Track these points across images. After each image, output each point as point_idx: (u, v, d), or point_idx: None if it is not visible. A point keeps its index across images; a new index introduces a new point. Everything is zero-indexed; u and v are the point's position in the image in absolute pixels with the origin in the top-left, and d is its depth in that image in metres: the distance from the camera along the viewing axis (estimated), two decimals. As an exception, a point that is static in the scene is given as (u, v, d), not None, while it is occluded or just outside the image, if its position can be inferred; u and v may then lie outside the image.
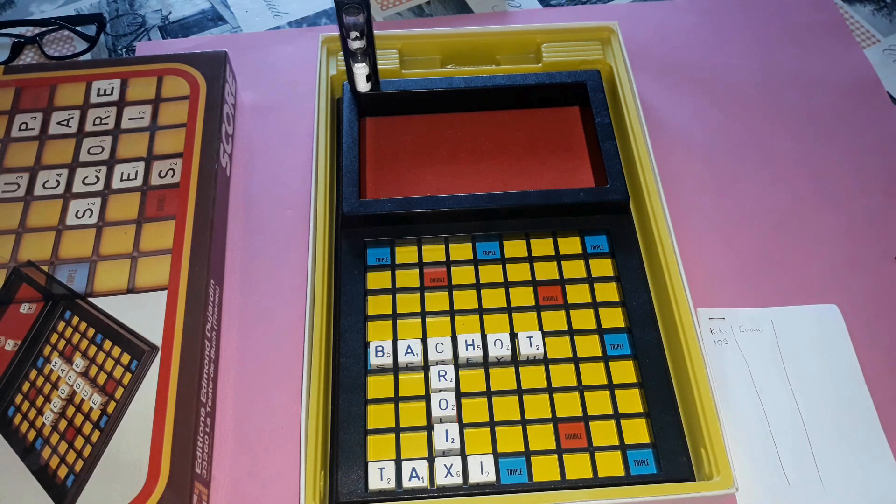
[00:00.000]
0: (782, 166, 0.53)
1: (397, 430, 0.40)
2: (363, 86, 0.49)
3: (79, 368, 0.42)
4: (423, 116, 0.52)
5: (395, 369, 0.42)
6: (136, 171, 0.49)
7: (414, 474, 0.39)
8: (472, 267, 0.45)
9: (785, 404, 0.44)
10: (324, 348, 0.41)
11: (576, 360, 0.42)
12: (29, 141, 0.50)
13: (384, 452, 0.40)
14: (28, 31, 0.61)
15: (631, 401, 0.41)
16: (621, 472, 0.39)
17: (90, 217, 0.47)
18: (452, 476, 0.38)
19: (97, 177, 0.49)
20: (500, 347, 0.42)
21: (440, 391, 0.41)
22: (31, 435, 0.40)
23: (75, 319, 0.43)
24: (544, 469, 0.39)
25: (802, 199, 0.52)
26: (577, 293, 0.44)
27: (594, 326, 0.43)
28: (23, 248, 0.46)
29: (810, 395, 0.44)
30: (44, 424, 0.40)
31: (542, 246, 0.46)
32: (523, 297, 0.44)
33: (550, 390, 0.41)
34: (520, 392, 0.41)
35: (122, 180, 0.48)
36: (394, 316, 0.44)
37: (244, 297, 0.48)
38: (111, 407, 0.40)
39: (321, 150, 0.48)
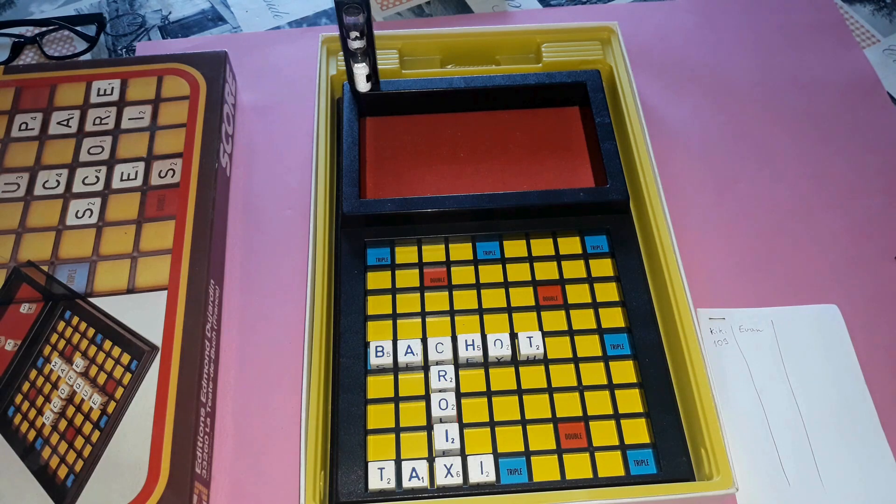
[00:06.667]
0: (782, 166, 0.53)
1: (397, 430, 0.40)
2: (363, 86, 0.49)
3: (79, 368, 0.42)
4: (423, 116, 0.52)
5: (395, 369, 0.42)
6: (136, 171, 0.49)
7: (414, 474, 0.39)
8: (472, 267, 0.45)
9: (785, 404, 0.44)
10: (324, 348, 0.41)
11: (576, 360, 0.42)
12: (29, 141, 0.50)
13: (384, 452, 0.39)
14: (28, 31, 0.61)
15: (631, 401, 0.41)
16: (621, 472, 0.39)
17: (90, 217, 0.47)
18: (452, 476, 0.38)
19: (97, 177, 0.49)
20: (500, 347, 0.42)
21: (440, 391, 0.41)
22: (31, 435, 0.40)
23: (75, 319, 0.43)
24: (544, 469, 0.39)
25: (802, 199, 0.52)
26: (577, 293, 0.44)
27: (594, 326, 0.43)
28: (23, 248, 0.46)
29: (810, 395, 0.44)
30: (44, 424, 0.40)
31: (542, 246, 0.46)
32: (523, 297, 0.44)
33: (550, 390, 0.41)
34: (520, 392, 0.41)
35: (122, 180, 0.48)
36: (394, 316, 0.44)
37: (244, 297, 0.48)
38: (111, 407, 0.40)
39: (321, 150, 0.48)
